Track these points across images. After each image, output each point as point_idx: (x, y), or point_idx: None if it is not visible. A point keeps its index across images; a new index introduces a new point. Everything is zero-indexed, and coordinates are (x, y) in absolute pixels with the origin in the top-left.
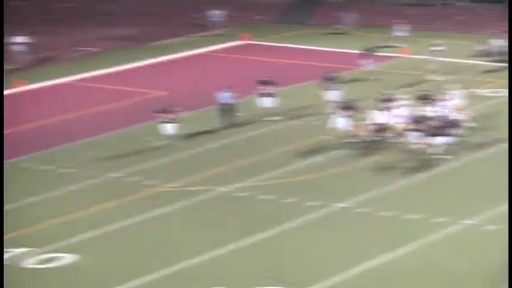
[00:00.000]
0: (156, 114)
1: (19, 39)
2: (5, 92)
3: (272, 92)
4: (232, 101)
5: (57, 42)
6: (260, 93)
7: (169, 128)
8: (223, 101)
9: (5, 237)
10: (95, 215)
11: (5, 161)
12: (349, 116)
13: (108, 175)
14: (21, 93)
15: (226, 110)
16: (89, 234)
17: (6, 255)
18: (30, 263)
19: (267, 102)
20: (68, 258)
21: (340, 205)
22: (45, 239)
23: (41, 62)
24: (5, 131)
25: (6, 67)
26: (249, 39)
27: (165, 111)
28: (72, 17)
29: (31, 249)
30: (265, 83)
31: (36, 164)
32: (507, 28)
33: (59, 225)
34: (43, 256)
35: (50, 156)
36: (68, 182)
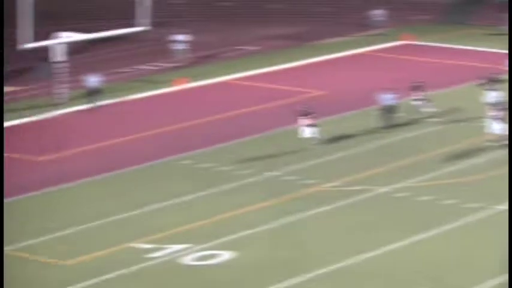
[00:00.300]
0: (299, 117)
1: (180, 37)
2: (167, 90)
3: (424, 97)
4: (393, 102)
5: (218, 41)
6: (413, 99)
7: (308, 132)
8: (384, 102)
9: (165, 233)
10: (253, 213)
11: (166, 158)
12: (505, 119)
13: (266, 174)
14: (182, 91)
15: (387, 110)
16: (246, 232)
17: (165, 251)
18: (189, 259)
19: (420, 106)
20: (225, 256)
21: (501, 207)
22: (203, 236)
23: (201, 60)
24: (167, 128)
25: (167, 65)
26: (411, 40)
27: (306, 114)
28: (233, 16)
29: (190, 245)
30: (417, 88)
31: (196, 161)
32: None
33: (217, 223)
34: (202, 253)
35: (210, 154)
36: (226, 180)
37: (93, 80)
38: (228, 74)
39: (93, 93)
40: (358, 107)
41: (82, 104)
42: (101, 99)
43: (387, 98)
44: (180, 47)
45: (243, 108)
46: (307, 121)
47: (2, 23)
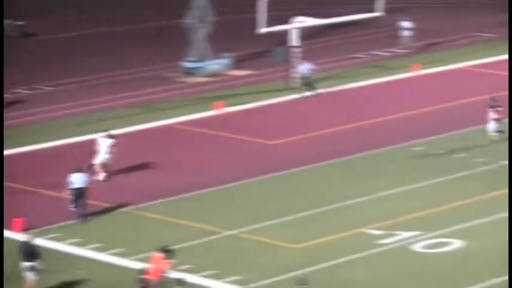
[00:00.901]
0: (489, 109)
1: (405, 24)
2: (400, 76)
3: None
4: None
5: (450, 27)
6: None
7: (491, 126)
8: None
9: (397, 220)
10: (486, 202)
11: (399, 145)
12: None
13: (500, 162)
14: (416, 78)
15: None
16: (478, 221)
17: (396, 238)
18: (419, 246)
19: None
20: (456, 244)
21: None
22: (434, 224)
23: (433, 46)
24: (400, 114)
25: (399, 51)
26: None
27: (494, 108)
28: (466, 2)
29: (421, 232)
30: None
31: (428, 148)
32: None
33: (449, 210)
34: (432, 241)
35: (442, 141)
36: (459, 168)
37: (304, 68)
38: (463, 60)
39: (307, 81)
40: None
41: (315, 89)
42: (314, 88)
43: None
44: (406, 33)
45: (477, 96)
46: (493, 115)
47: (1, 22)
